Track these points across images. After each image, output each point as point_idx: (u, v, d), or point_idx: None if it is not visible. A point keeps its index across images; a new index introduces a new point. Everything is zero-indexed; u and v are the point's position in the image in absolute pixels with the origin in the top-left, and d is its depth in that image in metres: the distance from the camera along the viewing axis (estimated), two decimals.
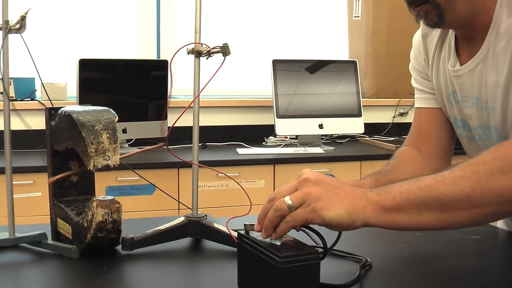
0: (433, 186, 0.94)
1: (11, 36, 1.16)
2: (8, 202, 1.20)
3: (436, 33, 1.33)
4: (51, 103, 1.41)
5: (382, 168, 1.34)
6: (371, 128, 3.66)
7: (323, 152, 3.11)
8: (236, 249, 1.00)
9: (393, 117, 3.77)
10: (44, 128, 1.24)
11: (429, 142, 1.41)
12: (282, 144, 3.33)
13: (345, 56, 3.87)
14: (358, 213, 0.95)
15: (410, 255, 1.21)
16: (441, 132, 1.41)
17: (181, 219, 1.24)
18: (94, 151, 1.08)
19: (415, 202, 0.94)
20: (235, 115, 3.53)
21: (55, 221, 1.25)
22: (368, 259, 1.12)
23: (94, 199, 1.12)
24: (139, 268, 1.11)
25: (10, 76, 1.17)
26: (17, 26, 1.15)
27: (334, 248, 1.06)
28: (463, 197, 0.92)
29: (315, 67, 3.36)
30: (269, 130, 3.44)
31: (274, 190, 2.86)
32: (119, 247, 1.19)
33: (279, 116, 3.24)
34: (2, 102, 1.16)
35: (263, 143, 3.42)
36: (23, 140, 3.00)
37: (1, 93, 3.07)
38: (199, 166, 1.27)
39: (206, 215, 1.26)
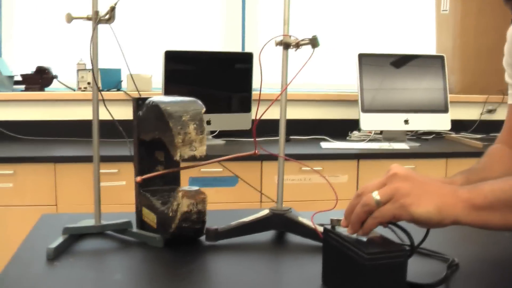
0: None
1: (98, 27, 1.17)
2: (94, 190, 1.22)
3: None
4: (139, 93, 1.44)
5: (473, 165, 1.29)
6: (458, 125, 3.55)
7: (408, 148, 3.05)
8: (320, 244, 0.98)
9: (481, 114, 3.64)
10: (129, 118, 1.26)
11: None
12: (366, 139, 3.29)
13: (432, 51, 3.76)
14: (448, 211, 0.91)
15: (500, 257, 1.16)
16: None
17: (266, 211, 1.24)
18: (181, 141, 1.08)
19: (508, 201, 0.90)
20: (319, 109, 3.51)
21: (140, 210, 1.27)
22: (455, 259, 1.08)
23: (180, 189, 1.13)
24: (222, 260, 1.11)
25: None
26: (107, 16, 1.16)
27: (420, 246, 1.03)
28: None
29: (401, 61, 3.29)
30: (353, 124, 3.40)
31: (357, 186, 2.86)
32: (202, 238, 1.20)
33: (364, 110, 3.19)
34: (91, 93, 1.18)
35: (347, 138, 3.38)
36: (108, 129, 3.07)
37: (89, 83, 3.18)
38: (285, 159, 1.26)
39: (291, 209, 1.24)
